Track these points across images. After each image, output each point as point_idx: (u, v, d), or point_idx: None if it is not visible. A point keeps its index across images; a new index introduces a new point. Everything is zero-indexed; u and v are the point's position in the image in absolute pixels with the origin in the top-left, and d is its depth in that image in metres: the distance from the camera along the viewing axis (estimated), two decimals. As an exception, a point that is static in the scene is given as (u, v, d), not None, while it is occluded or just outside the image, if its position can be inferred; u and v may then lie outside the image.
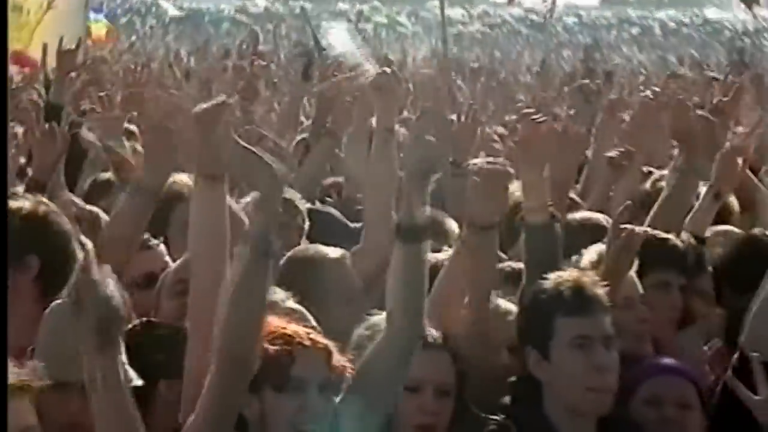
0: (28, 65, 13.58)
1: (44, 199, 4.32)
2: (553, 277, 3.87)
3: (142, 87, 9.21)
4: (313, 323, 3.85)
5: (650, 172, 7.05)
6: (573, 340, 3.71)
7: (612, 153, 6.54)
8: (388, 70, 5.38)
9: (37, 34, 14.34)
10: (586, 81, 12.21)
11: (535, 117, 4.47)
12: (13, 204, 4.16)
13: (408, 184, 3.65)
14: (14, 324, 3.74)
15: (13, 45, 13.87)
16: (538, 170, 4.36)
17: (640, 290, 4.31)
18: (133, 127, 8.43)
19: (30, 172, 6.36)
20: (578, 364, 3.69)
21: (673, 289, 4.55)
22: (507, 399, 3.85)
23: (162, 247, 4.95)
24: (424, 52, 32.07)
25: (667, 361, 4.20)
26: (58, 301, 3.63)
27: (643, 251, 4.34)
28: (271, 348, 3.40)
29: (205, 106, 3.74)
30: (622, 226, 4.26)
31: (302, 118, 10.24)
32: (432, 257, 4.52)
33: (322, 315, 4.09)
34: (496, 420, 3.83)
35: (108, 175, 6.74)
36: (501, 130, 10.71)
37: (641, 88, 15.52)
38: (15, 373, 2.93)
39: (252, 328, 3.38)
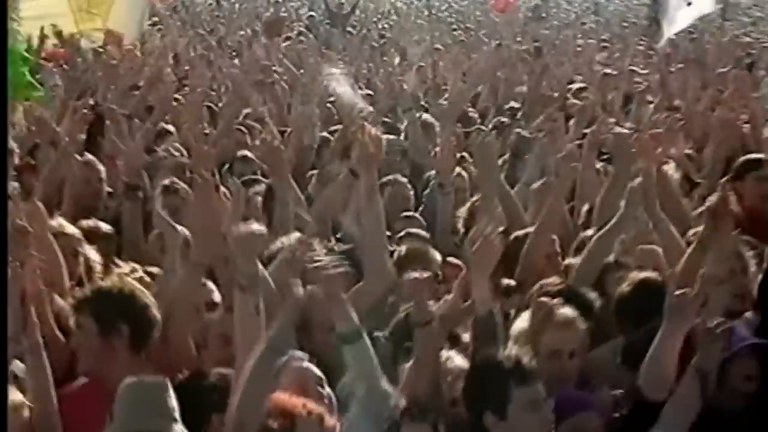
0: (114, 42, 13.34)
1: (129, 278, 4.47)
2: (501, 355, 3.99)
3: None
4: (320, 375, 3.99)
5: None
6: (527, 405, 3.81)
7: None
8: (372, 144, 5.24)
9: (113, 9, 13.93)
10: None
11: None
12: (107, 283, 4.42)
13: (332, 308, 3.85)
14: (112, 376, 4.04)
15: (95, 22, 13.82)
16: (486, 274, 4.31)
17: (571, 345, 4.32)
18: (170, 128, 8.58)
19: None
20: (534, 421, 3.81)
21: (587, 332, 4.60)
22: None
23: (210, 284, 4.96)
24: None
25: (579, 397, 4.25)
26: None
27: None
28: (277, 422, 3.60)
29: (243, 231, 3.91)
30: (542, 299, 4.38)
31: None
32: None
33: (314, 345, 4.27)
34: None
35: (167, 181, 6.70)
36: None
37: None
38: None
39: (257, 407, 3.64)
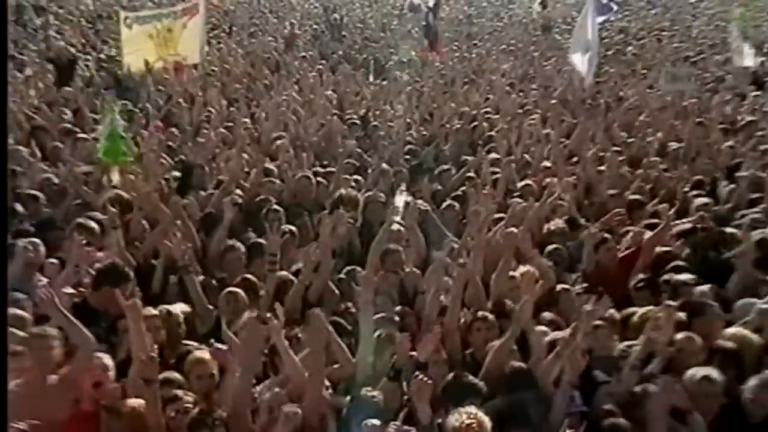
0: (182, 72, 13.11)
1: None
2: None
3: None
4: None
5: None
6: None
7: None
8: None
9: (180, 44, 13.65)
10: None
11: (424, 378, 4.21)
12: None
13: None
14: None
15: (168, 50, 13.62)
16: (426, 401, 4.12)
17: None
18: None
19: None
20: None
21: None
22: None
23: None
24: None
25: None
26: None
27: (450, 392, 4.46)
28: None
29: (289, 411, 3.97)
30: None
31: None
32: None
33: None
34: None
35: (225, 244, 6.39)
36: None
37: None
38: None
39: None
